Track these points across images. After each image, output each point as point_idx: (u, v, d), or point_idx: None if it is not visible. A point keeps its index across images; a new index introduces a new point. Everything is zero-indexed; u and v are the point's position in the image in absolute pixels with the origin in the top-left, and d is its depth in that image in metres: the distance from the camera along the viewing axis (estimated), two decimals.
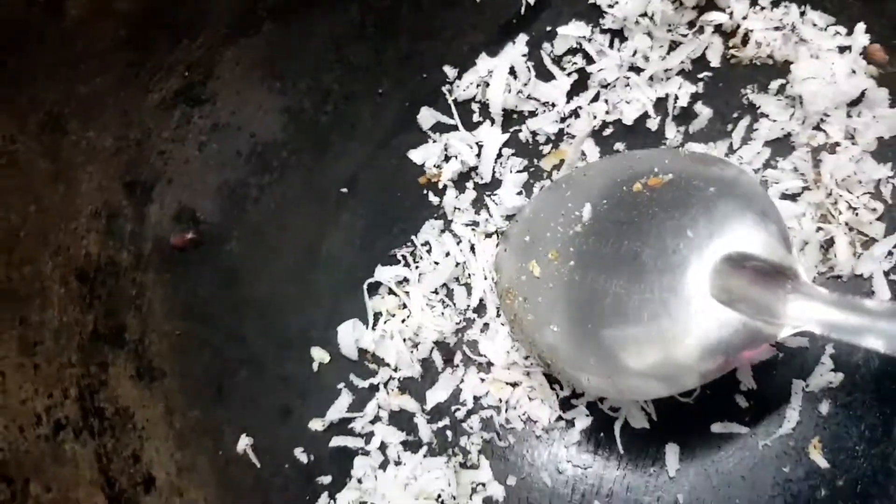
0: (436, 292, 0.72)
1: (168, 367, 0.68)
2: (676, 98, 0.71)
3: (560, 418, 0.69)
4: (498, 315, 0.71)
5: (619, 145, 0.72)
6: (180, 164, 0.70)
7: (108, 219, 0.66)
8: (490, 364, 0.71)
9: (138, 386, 0.66)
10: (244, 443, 0.68)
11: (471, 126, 0.74)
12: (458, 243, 0.73)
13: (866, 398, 0.65)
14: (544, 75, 0.74)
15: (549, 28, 0.74)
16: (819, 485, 0.64)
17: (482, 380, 0.71)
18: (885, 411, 0.65)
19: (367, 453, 0.69)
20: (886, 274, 0.66)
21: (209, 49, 0.70)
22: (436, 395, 0.71)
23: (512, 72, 0.74)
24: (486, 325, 0.71)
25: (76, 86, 0.64)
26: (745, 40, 0.70)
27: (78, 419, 0.62)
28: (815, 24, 0.69)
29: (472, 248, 0.73)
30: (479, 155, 0.74)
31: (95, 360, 0.64)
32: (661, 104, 0.71)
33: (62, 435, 0.61)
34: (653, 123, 0.71)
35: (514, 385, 0.70)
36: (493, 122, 0.74)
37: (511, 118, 0.74)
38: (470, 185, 0.74)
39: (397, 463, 0.69)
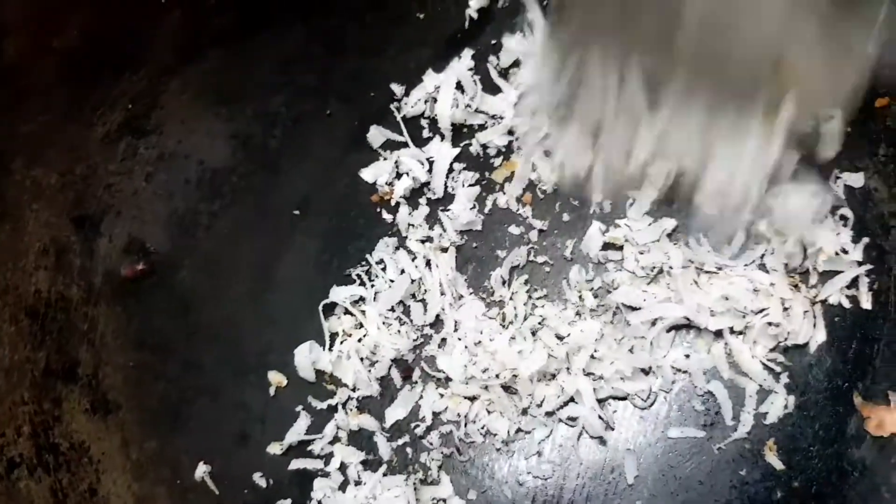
0: (392, 310, 0.72)
1: (123, 399, 0.68)
2: None
3: (519, 430, 0.69)
4: (455, 329, 0.71)
5: None
6: (128, 196, 0.70)
7: (57, 255, 0.67)
8: (448, 379, 0.71)
9: (93, 420, 0.66)
10: (202, 470, 0.68)
11: (421, 142, 0.74)
12: (413, 259, 0.73)
13: (819, 398, 0.65)
14: (491, 88, 0.74)
15: (493, 41, 0.74)
16: (775, 486, 0.65)
17: (441, 395, 0.71)
18: (837, 410, 0.65)
19: (326, 474, 0.69)
20: None
21: (152, 80, 0.71)
22: (395, 413, 0.71)
23: (459, 86, 0.74)
24: (443, 339, 0.72)
25: (18, 124, 0.65)
26: None
27: (32, 456, 0.62)
28: None
29: (428, 264, 0.73)
30: (430, 171, 0.74)
31: (48, 397, 0.65)
32: None
33: (16, 473, 0.61)
34: None
35: (473, 399, 0.70)
36: (442, 137, 0.74)
37: (461, 132, 0.74)
38: (423, 200, 0.74)
39: (357, 483, 0.69)
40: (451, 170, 0.74)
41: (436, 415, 0.70)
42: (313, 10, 0.75)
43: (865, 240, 0.66)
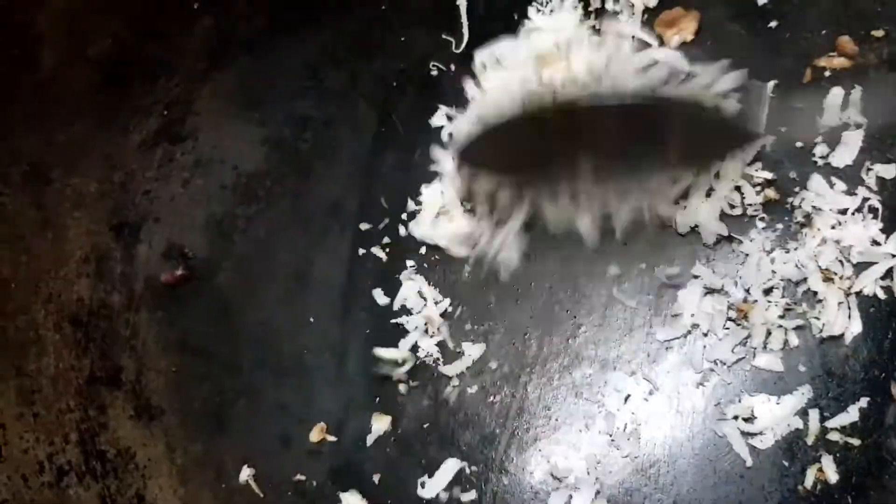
0: None
1: (167, 403, 0.69)
2: None
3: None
4: None
5: None
6: (166, 202, 0.71)
7: (98, 262, 0.67)
8: None
9: (138, 425, 0.67)
10: (246, 473, 0.69)
11: None
12: None
13: (856, 388, 0.66)
14: None
15: None
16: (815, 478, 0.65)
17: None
18: (875, 400, 0.65)
19: None
20: None
21: (186, 86, 0.71)
22: None
23: None
24: None
25: (55, 134, 0.66)
26: None
27: (80, 463, 0.63)
28: None
29: None
30: None
31: (94, 404, 0.65)
32: None
33: (65, 480, 0.62)
34: None
35: None
36: None
37: None
38: None
39: None
40: None
41: None
42: (339, 12, 0.76)
43: None
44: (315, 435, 0.70)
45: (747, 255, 0.69)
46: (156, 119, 0.70)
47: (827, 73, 0.70)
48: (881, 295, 0.67)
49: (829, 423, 0.65)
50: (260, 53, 0.74)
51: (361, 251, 0.74)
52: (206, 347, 0.71)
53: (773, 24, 0.71)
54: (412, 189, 0.74)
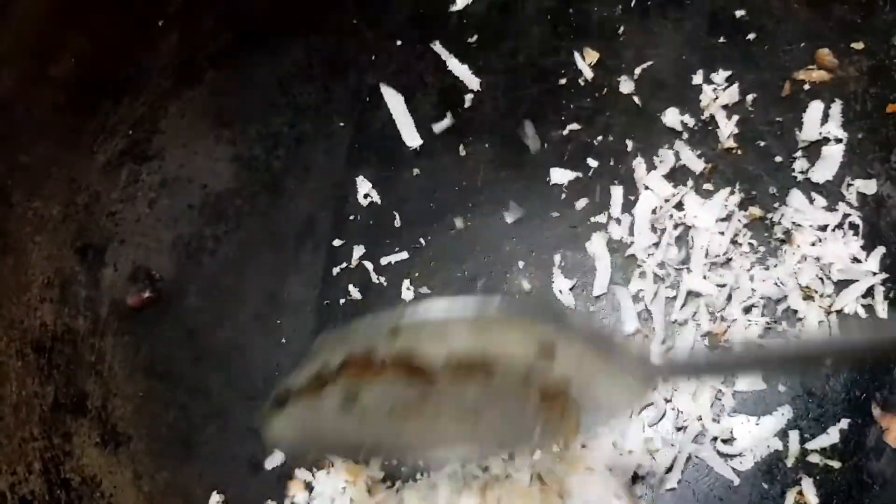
0: None
1: (133, 430, 0.67)
2: None
3: None
4: None
5: None
6: (131, 224, 0.70)
7: (62, 287, 0.66)
8: None
9: (104, 453, 0.66)
10: (215, 500, 0.68)
11: None
12: None
13: (837, 409, 0.65)
14: None
15: None
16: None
17: None
18: (856, 422, 0.64)
19: None
20: None
21: (152, 105, 0.70)
22: None
23: None
24: None
25: (17, 156, 0.64)
26: None
27: (44, 493, 0.62)
28: None
29: None
30: None
31: (58, 431, 0.64)
32: None
33: None
34: None
35: None
36: None
37: None
38: None
39: None
40: None
41: None
42: (310, 27, 0.75)
43: (881, 249, 0.65)
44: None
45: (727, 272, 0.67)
46: (121, 139, 0.69)
47: (806, 87, 0.68)
48: (862, 313, 0.65)
49: (810, 445, 0.64)
50: (229, 70, 0.72)
51: (336, 270, 0.73)
52: (174, 371, 0.70)
53: (751, 36, 0.70)
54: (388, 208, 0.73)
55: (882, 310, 0.65)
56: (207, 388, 0.70)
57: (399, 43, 0.75)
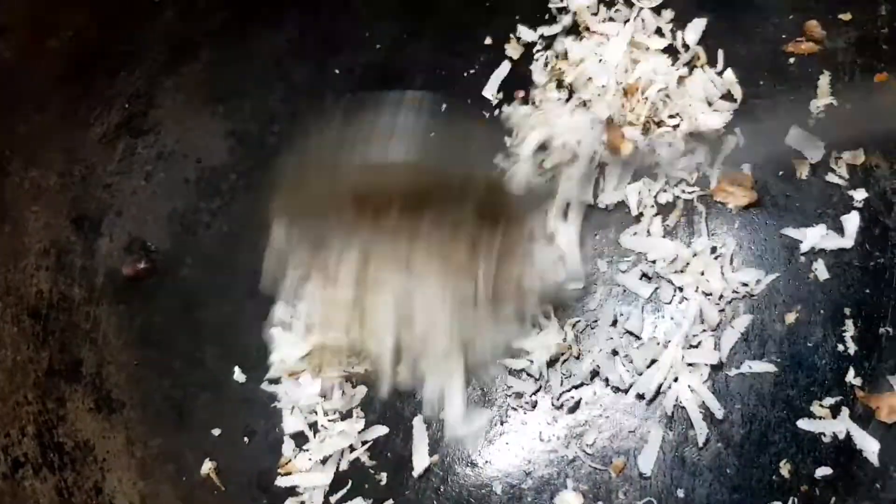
0: None
1: (127, 397, 0.68)
2: None
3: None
4: None
5: None
6: (127, 196, 0.71)
7: (58, 255, 0.67)
8: None
9: (97, 418, 0.67)
10: (207, 466, 0.68)
11: None
12: None
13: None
14: None
15: None
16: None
17: None
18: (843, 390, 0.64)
19: None
20: None
21: (148, 79, 0.71)
22: None
23: None
24: None
25: (15, 126, 0.65)
26: None
27: (37, 455, 0.62)
28: None
29: None
30: None
31: (52, 396, 0.65)
32: None
33: (21, 472, 0.62)
34: None
35: None
36: None
37: None
38: None
39: None
40: None
41: None
42: (305, 4, 0.76)
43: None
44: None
45: None
46: (117, 112, 0.70)
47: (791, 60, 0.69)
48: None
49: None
50: (225, 46, 0.74)
51: None
52: (169, 341, 0.70)
53: (740, 9, 0.70)
54: None
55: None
56: (201, 357, 0.71)
57: (393, 20, 0.75)
